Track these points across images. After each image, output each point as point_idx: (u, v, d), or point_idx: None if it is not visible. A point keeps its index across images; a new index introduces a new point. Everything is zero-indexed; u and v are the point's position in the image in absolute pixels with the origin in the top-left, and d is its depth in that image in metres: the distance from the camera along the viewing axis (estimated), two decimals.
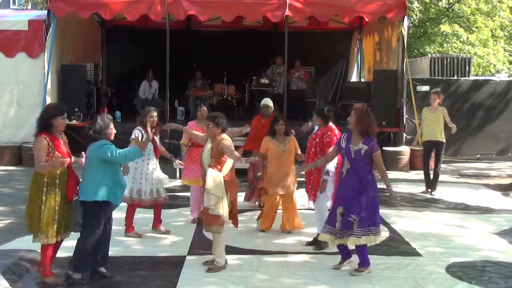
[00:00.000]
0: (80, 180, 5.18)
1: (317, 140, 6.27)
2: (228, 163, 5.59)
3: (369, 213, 5.33)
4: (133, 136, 6.66)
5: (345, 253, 5.63)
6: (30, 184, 5.06)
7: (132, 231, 6.68)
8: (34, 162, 4.95)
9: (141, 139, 6.50)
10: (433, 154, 9.36)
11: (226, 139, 5.59)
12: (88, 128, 5.25)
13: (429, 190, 9.28)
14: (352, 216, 5.28)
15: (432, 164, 9.43)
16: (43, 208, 4.90)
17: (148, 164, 6.60)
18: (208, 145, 5.57)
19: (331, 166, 6.06)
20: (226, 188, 5.48)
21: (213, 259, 5.59)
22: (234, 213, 5.72)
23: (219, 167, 5.50)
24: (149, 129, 6.61)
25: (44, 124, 4.98)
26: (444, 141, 9.17)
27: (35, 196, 4.94)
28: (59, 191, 4.97)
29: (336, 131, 6.28)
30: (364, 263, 5.46)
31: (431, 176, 9.32)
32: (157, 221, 6.87)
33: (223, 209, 5.44)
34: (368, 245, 5.45)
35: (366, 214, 5.31)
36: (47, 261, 5.09)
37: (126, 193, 6.36)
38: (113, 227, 6.85)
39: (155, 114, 6.74)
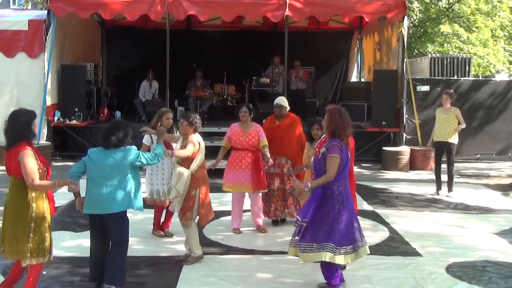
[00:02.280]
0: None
1: None
2: (197, 161, 5.69)
3: (324, 228, 4.74)
4: (144, 141, 6.49)
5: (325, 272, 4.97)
6: (13, 201, 4.44)
7: (157, 229, 6.73)
8: (26, 178, 4.29)
9: (151, 143, 6.43)
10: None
11: (193, 139, 5.72)
12: (109, 131, 4.77)
13: (439, 192, 9.21)
14: (298, 219, 4.80)
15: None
16: (32, 225, 4.37)
17: (163, 164, 6.45)
18: (178, 144, 5.65)
19: None
20: (196, 184, 5.67)
21: (188, 254, 5.74)
22: (203, 211, 5.78)
23: (187, 164, 5.64)
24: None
25: (25, 132, 4.40)
26: (455, 142, 9.07)
27: (23, 214, 4.37)
28: (45, 206, 4.50)
29: None
30: (329, 283, 4.94)
31: (447, 178, 9.19)
32: (166, 221, 6.78)
33: (179, 205, 5.68)
34: (340, 263, 4.85)
35: (320, 229, 4.74)
36: (36, 282, 4.58)
37: (147, 194, 6.47)
38: None
39: (171, 115, 6.53)
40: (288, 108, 7.22)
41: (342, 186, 4.83)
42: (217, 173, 10.24)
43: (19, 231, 4.37)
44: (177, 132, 6.45)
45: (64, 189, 4.78)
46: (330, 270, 4.89)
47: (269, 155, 6.66)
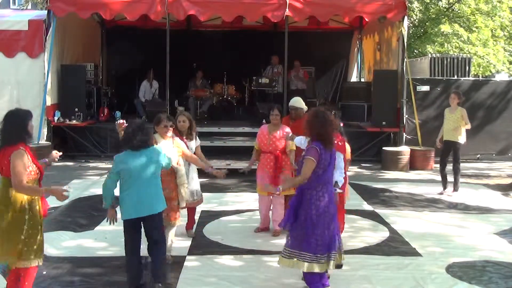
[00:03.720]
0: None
1: None
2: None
3: (298, 233, 4.66)
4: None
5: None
6: (4, 203, 4.26)
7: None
8: (13, 179, 4.16)
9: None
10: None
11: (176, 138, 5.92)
12: (134, 133, 4.83)
13: (445, 191, 9.22)
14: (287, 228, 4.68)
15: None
16: (26, 228, 4.24)
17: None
18: (167, 146, 5.64)
19: (338, 176, 5.26)
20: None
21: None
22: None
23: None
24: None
25: (22, 133, 4.28)
26: (461, 142, 9.11)
27: (17, 217, 4.24)
28: (39, 208, 4.38)
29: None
30: None
31: (453, 177, 9.23)
32: (190, 223, 6.71)
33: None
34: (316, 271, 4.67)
35: (295, 233, 4.68)
36: (32, 284, 4.46)
37: None
38: (113, 228, 6.87)
39: (183, 118, 6.27)
40: (305, 108, 6.90)
41: (322, 192, 4.63)
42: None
43: (13, 234, 4.23)
44: (193, 134, 6.40)
45: None
46: (311, 277, 4.75)
47: (292, 161, 6.50)
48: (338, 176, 5.27)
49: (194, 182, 6.46)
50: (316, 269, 4.65)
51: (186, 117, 6.33)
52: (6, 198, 4.27)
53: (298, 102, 6.99)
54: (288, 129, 6.70)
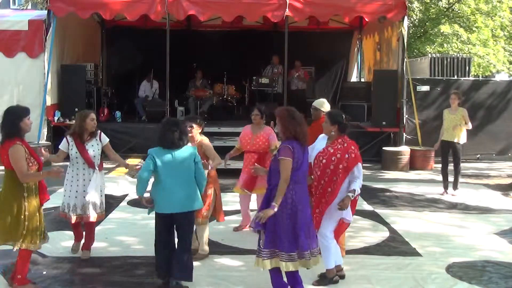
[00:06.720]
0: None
1: (338, 155, 5.03)
2: (216, 160, 5.88)
3: (276, 235, 4.59)
4: (61, 147, 5.81)
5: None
6: (4, 192, 4.76)
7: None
8: (16, 171, 4.63)
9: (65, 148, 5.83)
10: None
11: (206, 140, 5.93)
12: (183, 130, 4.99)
13: (447, 191, 9.23)
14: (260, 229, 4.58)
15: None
16: (26, 214, 4.72)
17: (78, 174, 5.82)
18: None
19: (357, 184, 5.07)
20: (211, 183, 5.86)
21: (196, 250, 5.77)
22: (218, 207, 6.09)
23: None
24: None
25: (14, 128, 4.70)
26: (461, 142, 9.13)
27: (13, 203, 4.69)
28: (36, 196, 4.83)
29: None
30: None
31: (453, 177, 9.26)
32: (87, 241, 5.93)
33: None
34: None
35: (273, 236, 4.60)
36: (26, 268, 4.89)
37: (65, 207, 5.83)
38: (113, 227, 6.89)
39: (95, 116, 5.86)
40: (324, 110, 6.43)
41: (294, 191, 4.57)
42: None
43: (13, 218, 4.71)
44: (101, 135, 5.89)
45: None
46: (274, 276, 4.76)
47: None
48: (357, 186, 5.09)
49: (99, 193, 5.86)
50: (286, 268, 4.62)
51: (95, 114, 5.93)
52: (6, 188, 4.76)
53: (319, 103, 6.62)
54: (272, 135, 6.70)
